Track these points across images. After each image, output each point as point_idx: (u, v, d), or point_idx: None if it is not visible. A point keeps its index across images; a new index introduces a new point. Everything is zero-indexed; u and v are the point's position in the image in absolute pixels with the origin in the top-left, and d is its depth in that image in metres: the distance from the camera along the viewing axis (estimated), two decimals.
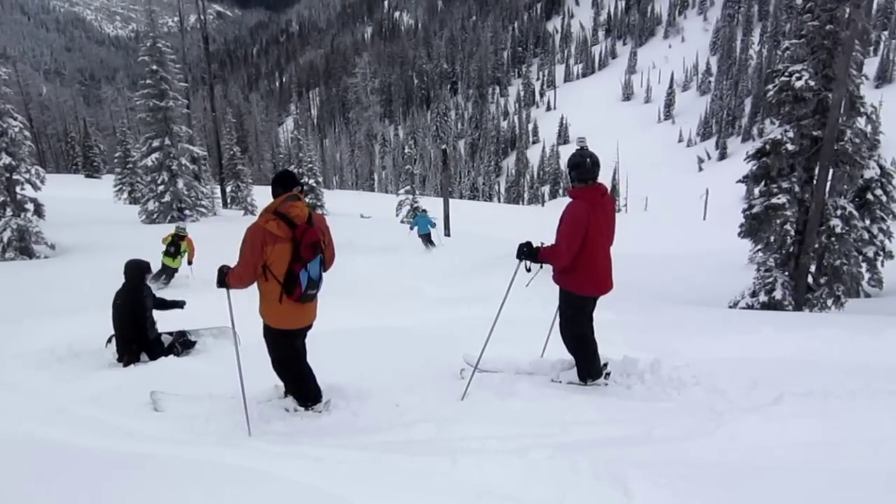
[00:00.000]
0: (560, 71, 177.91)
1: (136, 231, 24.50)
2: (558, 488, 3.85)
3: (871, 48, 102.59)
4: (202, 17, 40.40)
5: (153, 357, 8.06)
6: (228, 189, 42.43)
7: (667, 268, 24.05)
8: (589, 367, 6.16)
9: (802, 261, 15.84)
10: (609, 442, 4.72)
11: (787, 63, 15.84)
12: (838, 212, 15.90)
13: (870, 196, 20.39)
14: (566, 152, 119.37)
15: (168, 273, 15.99)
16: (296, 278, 5.20)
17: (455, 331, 8.89)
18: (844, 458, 4.22)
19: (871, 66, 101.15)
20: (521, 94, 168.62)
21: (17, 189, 19.71)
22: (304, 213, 5.28)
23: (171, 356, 8.03)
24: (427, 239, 24.82)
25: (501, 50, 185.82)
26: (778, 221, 15.44)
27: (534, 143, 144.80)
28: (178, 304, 8.90)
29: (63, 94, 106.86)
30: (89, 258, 17.71)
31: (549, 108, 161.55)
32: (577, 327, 6.08)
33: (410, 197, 41.16)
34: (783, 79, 15.43)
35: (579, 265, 5.76)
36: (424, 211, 27.54)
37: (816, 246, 15.82)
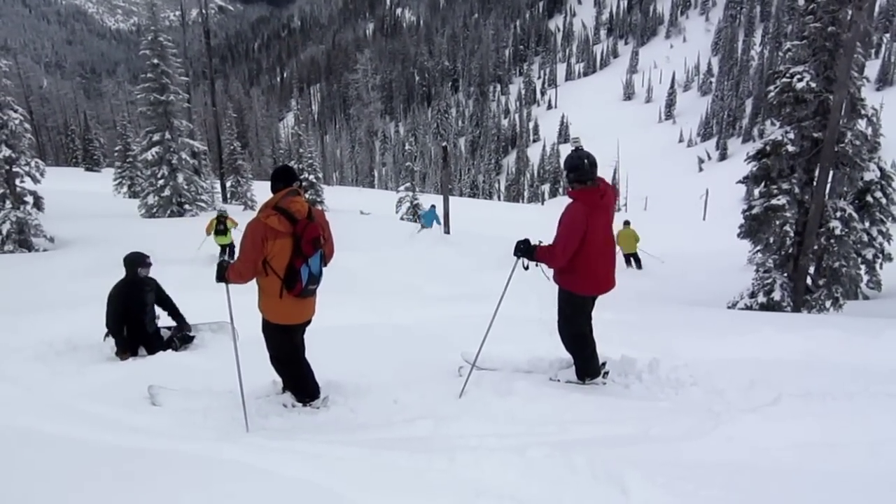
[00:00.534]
0: (561, 70, 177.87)
1: (136, 225, 24.50)
2: (556, 487, 3.85)
3: (873, 50, 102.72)
4: (204, 11, 40.32)
5: (152, 351, 8.05)
6: (228, 184, 42.38)
7: (666, 267, 24.05)
8: (587, 365, 6.17)
9: (801, 262, 15.84)
10: (607, 441, 4.72)
11: (789, 64, 15.83)
12: (838, 214, 15.91)
13: (869, 198, 20.36)
14: (566, 151, 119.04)
15: (224, 250, 18.36)
16: (296, 273, 5.20)
17: (454, 328, 8.88)
18: (842, 459, 4.22)
19: (873, 68, 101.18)
20: (522, 92, 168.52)
21: (17, 182, 19.69)
22: (305, 209, 5.30)
23: (170, 350, 8.02)
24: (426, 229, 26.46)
25: (503, 48, 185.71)
26: (777, 223, 15.43)
27: (534, 141, 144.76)
28: (185, 327, 8.74)
29: (64, 86, 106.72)
30: (88, 251, 17.69)
31: (549, 107, 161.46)
32: (575, 326, 6.08)
33: (410, 194, 41.11)
34: (784, 80, 15.42)
35: (578, 265, 5.77)
36: (433, 206, 29.22)
37: (816, 247, 15.83)
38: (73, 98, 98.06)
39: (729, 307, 16.22)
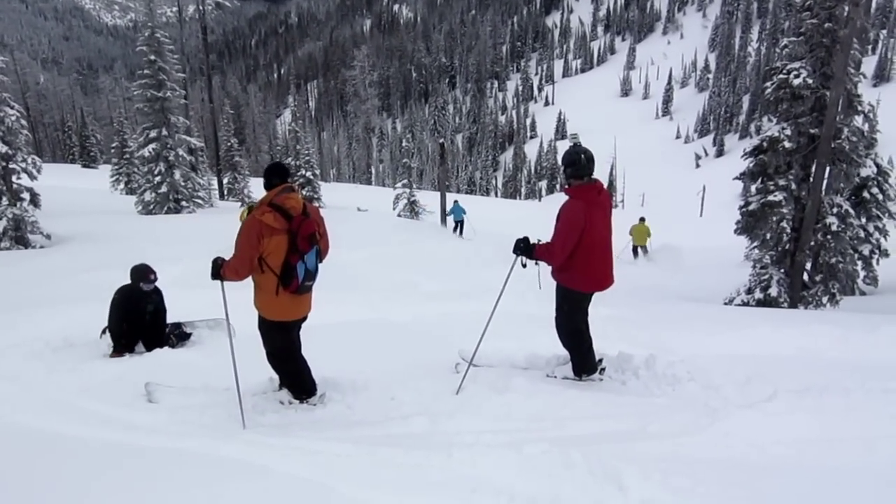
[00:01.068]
0: (559, 66, 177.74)
1: (133, 222, 24.44)
2: (552, 483, 3.86)
3: (870, 47, 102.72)
4: (201, 7, 40.21)
5: (149, 347, 8.06)
6: (225, 181, 42.30)
7: (663, 264, 24.06)
8: (584, 362, 6.17)
9: (798, 258, 15.86)
10: (603, 437, 4.73)
11: (786, 61, 15.83)
12: (834, 210, 15.92)
13: (866, 194, 20.38)
14: (563, 148, 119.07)
15: None
16: (292, 270, 5.19)
17: (451, 325, 8.89)
18: (839, 454, 4.24)
19: (870, 64, 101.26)
20: (520, 88, 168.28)
21: (13, 178, 19.62)
22: (300, 205, 5.32)
23: (167, 348, 8.01)
24: (460, 225, 29.55)
25: (500, 44, 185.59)
26: (774, 219, 15.45)
27: (532, 137, 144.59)
28: (183, 336, 8.71)
29: (60, 83, 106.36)
30: (85, 248, 17.67)
31: (547, 104, 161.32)
32: (573, 323, 6.09)
33: (407, 191, 41.07)
34: (781, 76, 15.43)
35: (577, 262, 5.77)
36: (456, 201, 30.99)
37: (812, 243, 15.85)
38: (70, 94, 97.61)
39: (726, 303, 16.25)
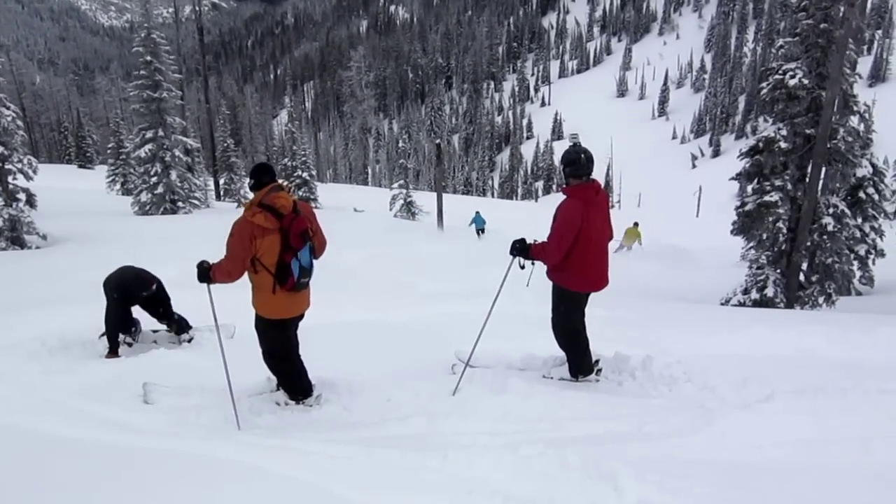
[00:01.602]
0: (555, 67, 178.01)
1: (129, 222, 24.41)
2: (548, 484, 3.85)
3: (865, 47, 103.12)
4: (197, 8, 40.14)
5: (153, 314, 8.29)
6: (222, 181, 42.24)
7: (659, 264, 24.09)
8: (580, 362, 6.17)
9: (794, 258, 15.88)
10: (600, 438, 4.72)
11: (782, 61, 15.86)
12: (830, 210, 15.95)
13: (862, 194, 20.46)
14: (560, 148, 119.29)
15: None
16: (287, 268, 5.21)
17: (448, 326, 8.88)
18: (835, 455, 4.23)
19: (865, 64, 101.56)
20: (516, 89, 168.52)
21: (9, 179, 19.59)
22: (290, 203, 5.31)
23: (162, 349, 7.97)
24: (481, 231, 31.77)
25: (496, 45, 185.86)
26: (770, 219, 15.47)
27: (528, 138, 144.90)
28: (185, 324, 8.68)
29: (57, 83, 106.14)
30: (81, 249, 17.63)
31: (543, 104, 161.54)
32: (569, 323, 6.08)
33: (404, 191, 41.11)
34: (777, 77, 15.46)
35: (573, 262, 5.77)
36: (477, 212, 33.36)
37: (808, 244, 15.87)
38: (66, 95, 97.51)
39: (722, 303, 16.28)
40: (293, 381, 5.77)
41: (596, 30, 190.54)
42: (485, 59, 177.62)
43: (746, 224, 16.18)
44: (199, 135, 47.26)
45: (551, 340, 6.25)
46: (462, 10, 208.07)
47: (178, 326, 8.50)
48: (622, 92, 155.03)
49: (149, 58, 28.40)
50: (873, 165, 20.62)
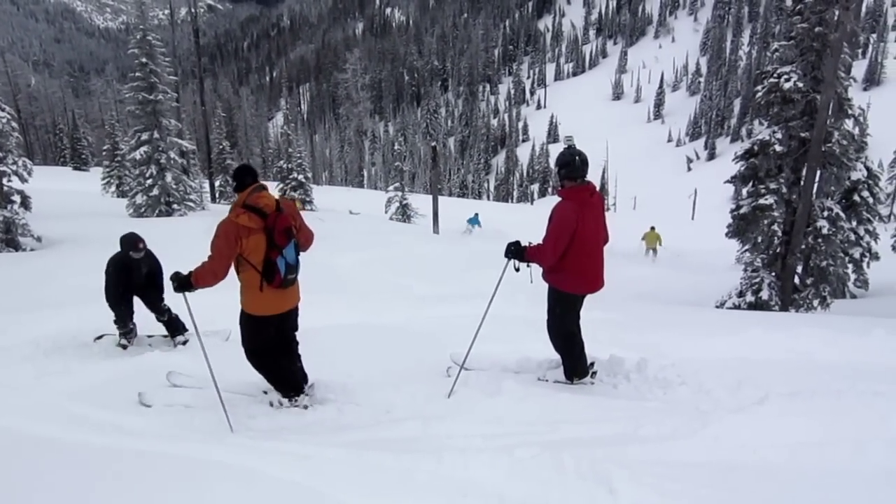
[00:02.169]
0: (551, 69, 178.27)
1: (124, 224, 24.37)
2: (543, 487, 3.85)
3: (860, 50, 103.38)
4: (193, 10, 40.08)
5: (149, 302, 8.35)
6: (217, 183, 42.20)
7: (656, 267, 24.13)
8: (575, 365, 6.17)
9: (789, 261, 15.90)
10: (594, 441, 4.72)
11: (776, 64, 15.89)
12: (825, 213, 15.98)
13: (856, 198, 20.49)
14: (556, 151, 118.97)
15: None
16: (273, 265, 5.30)
17: (443, 329, 8.87)
18: (830, 458, 4.24)
19: (860, 68, 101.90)
20: (512, 92, 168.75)
21: (4, 181, 19.54)
22: (273, 202, 5.41)
23: (157, 351, 7.97)
24: (472, 228, 33.83)
25: (492, 48, 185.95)
26: (765, 222, 15.50)
27: (524, 141, 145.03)
28: (180, 325, 8.72)
29: (52, 85, 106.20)
30: (76, 251, 17.58)
31: (539, 107, 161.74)
32: (565, 325, 6.09)
33: (400, 194, 41.09)
34: (772, 80, 15.49)
35: (568, 264, 5.78)
36: (476, 213, 35.52)
37: (803, 247, 15.90)
38: (62, 97, 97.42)
39: (717, 306, 16.29)
40: (278, 376, 5.81)
41: (591, 33, 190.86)
42: (480, 62, 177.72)
43: (741, 227, 16.21)
44: (195, 137, 47.11)
45: (546, 343, 6.26)
46: (458, 12, 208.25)
47: (174, 327, 8.51)
48: (618, 95, 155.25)
49: (144, 60, 28.34)
50: (868, 169, 20.67)
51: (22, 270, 15.48)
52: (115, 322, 8.21)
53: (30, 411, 5.53)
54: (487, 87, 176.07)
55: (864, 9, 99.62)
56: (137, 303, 8.44)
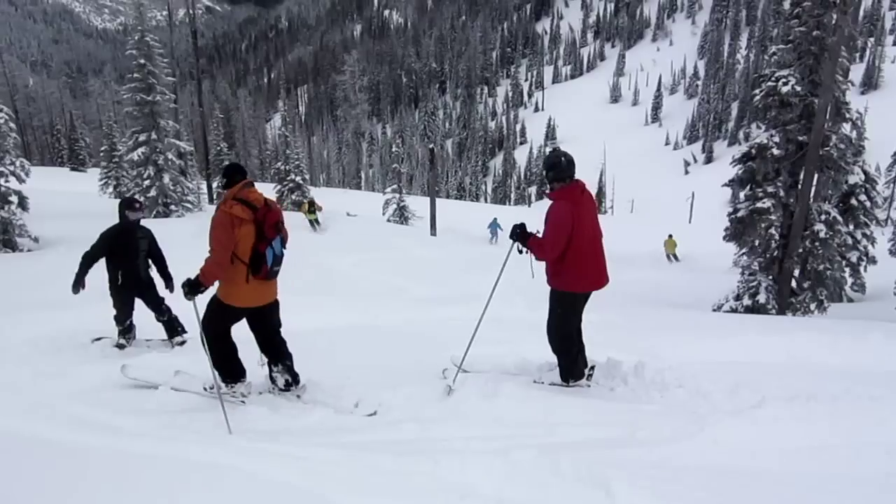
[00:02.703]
0: (548, 72, 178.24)
1: None
2: (540, 490, 3.85)
3: (857, 54, 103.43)
4: (191, 11, 40.10)
5: (147, 300, 8.33)
6: (215, 185, 41.96)
7: (653, 270, 24.15)
8: (571, 367, 6.17)
9: (786, 265, 15.91)
10: (592, 444, 4.73)
11: (774, 68, 15.91)
12: (822, 217, 15.98)
13: (854, 201, 20.48)
14: None
15: (314, 224, 26.49)
16: (262, 257, 5.51)
17: (441, 331, 8.88)
18: (826, 461, 4.25)
19: (857, 72, 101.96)
20: (510, 94, 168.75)
21: (2, 181, 19.55)
22: (261, 198, 5.67)
23: (155, 353, 7.97)
24: (494, 235, 34.69)
25: (490, 50, 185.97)
26: (763, 225, 15.51)
27: (521, 143, 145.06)
28: (170, 285, 8.72)
29: (50, 86, 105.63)
30: (74, 252, 17.45)
31: (537, 109, 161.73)
32: (565, 326, 6.09)
33: (397, 196, 41.12)
34: (770, 83, 15.50)
35: (569, 264, 5.80)
36: (495, 218, 35.79)
37: (800, 250, 15.91)
38: (59, 97, 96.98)
39: (714, 310, 16.29)
40: (225, 361, 5.93)
41: (589, 35, 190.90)
42: (478, 64, 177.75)
43: (739, 230, 16.22)
44: (193, 138, 47.06)
45: (545, 345, 6.26)
46: (456, 14, 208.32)
47: (172, 327, 8.52)
48: (615, 98, 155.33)
49: (142, 61, 28.35)
50: (865, 172, 20.66)
51: (19, 271, 15.47)
52: (115, 319, 8.24)
53: (27, 412, 5.52)
54: (485, 90, 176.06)
55: (861, 12, 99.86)
56: (138, 304, 8.42)
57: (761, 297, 15.71)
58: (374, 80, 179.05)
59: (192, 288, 5.45)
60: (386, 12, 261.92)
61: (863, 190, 20.62)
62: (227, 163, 6.26)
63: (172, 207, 28.85)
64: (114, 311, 8.25)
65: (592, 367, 6.32)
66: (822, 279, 16.07)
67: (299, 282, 14.01)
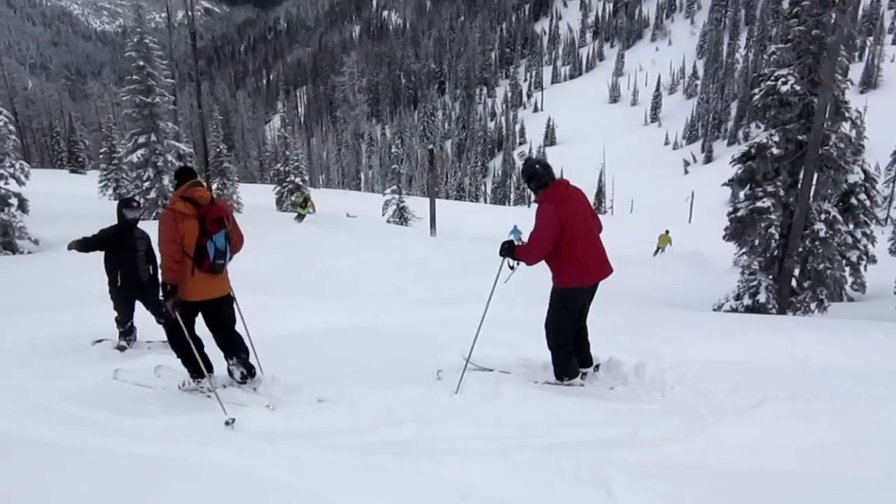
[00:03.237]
0: (547, 72, 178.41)
1: None
2: (541, 490, 3.85)
3: (857, 53, 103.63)
4: (190, 13, 40.00)
5: (147, 302, 8.33)
6: (214, 186, 42.09)
7: (651, 269, 24.12)
8: (566, 365, 6.18)
9: (786, 264, 15.89)
10: (593, 444, 4.72)
11: (773, 67, 15.89)
12: (822, 216, 15.96)
13: (854, 201, 20.48)
14: (553, 154, 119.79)
15: (301, 218, 29.25)
16: (203, 250, 5.78)
17: (441, 332, 8.88)
18: (827, 461, 4.24)
19: (857, 71, 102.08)
20: (509, 94, 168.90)
21: (1, 184, 19.56)
22: (207, 196, 6.04)
23: (154, 354, 7.97)
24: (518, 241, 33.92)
25: (489, 50, 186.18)
26: (762, 225, 15.48)
27: (521, 143, 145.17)
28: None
29: (49, 88, 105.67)
30: (73, 254, 17.57)
31: (536, 110, 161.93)
32: (563, 321, 6.10)
33: (397, 196, 41.14)
34: (769, 83, 15.48)
35: (565, 260, 5.86)
36: (515, 225, 32.92)
37: (800, 250, 15.89)
38: (58, 100, 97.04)
39: (714, 309, 16.26)
40: (189, 357, 6.06)
41: (588, 35, 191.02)
42: (477, 65, 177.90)
43: (738, 230, 16.19)
44: (192, 140, 47.06)
45: (544, 346, 6.26)
46: (455, 15, 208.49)
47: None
48: (614, 98, 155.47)
49: (141, 63, 28.35)
50: (865, 172, 20.66)
51: (19, 273, 15.48)
52: (116, 321, 8.25)
53: (27, 413, 5.53)
54: (484, 90, 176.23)
55: (860, 12, 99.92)
56: (138, 305, 8.43)
57: (761, 297, 15.69)
58: (373, 81, 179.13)
59: (162, 288, 5.76)
60: (385, 13, 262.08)
61: (863, 189, 20.63)
62: (179, 165, 6.53)
63: None
64: (115, 314, 8.26)
65: (597, 366, 6.33)
66: (823, 278, 16.05)
67: (299, 283, 14.02)
